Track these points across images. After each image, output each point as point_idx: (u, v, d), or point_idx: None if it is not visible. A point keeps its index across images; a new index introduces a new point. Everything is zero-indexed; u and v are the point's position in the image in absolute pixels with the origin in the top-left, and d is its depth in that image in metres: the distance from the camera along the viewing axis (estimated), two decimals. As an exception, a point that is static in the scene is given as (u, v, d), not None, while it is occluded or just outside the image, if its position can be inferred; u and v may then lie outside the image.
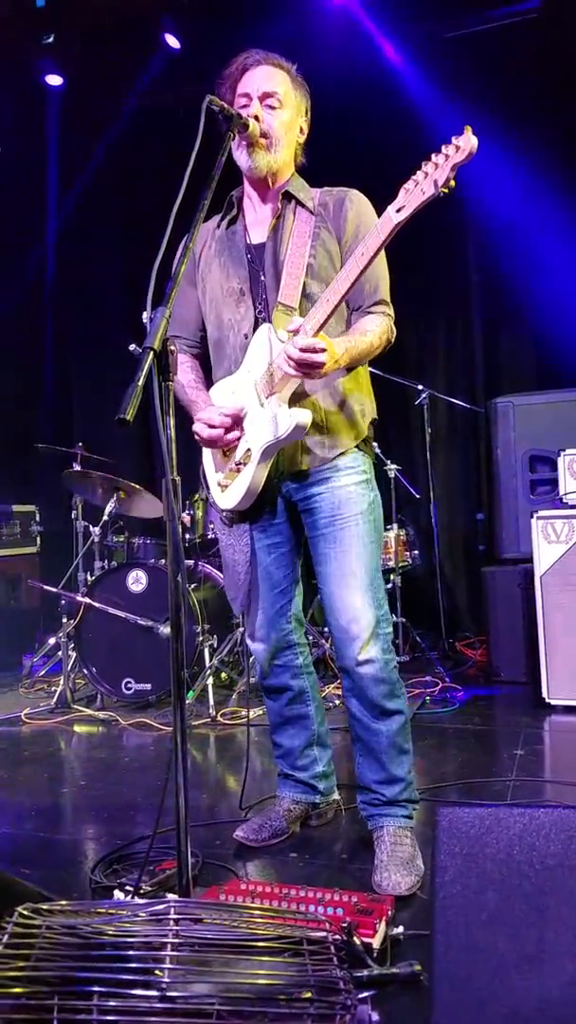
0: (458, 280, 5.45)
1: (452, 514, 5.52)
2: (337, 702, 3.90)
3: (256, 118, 2.06)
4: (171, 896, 1.35)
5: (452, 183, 1.67)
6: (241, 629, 3.56)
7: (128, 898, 1.85)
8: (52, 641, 4.49)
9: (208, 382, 2.32)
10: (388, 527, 4.65)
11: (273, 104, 2.09)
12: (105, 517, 4.48)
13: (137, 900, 1.74)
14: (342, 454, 2.15)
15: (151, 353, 1.56)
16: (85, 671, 4.14)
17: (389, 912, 1.74)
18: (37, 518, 5.61)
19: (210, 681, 3.89)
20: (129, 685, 4.04)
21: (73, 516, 4.60)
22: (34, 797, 2.86)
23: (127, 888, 1.92)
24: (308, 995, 1.17)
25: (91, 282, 6.16)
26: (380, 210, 1.85)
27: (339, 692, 3.99)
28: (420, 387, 4.83)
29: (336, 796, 2.50)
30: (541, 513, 3.66)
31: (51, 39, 5.07)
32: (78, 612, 4.14)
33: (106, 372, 5.98)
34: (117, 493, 4.39)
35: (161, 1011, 1.12)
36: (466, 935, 1.19)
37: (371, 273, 2.06)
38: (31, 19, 4.96)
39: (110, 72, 5.35)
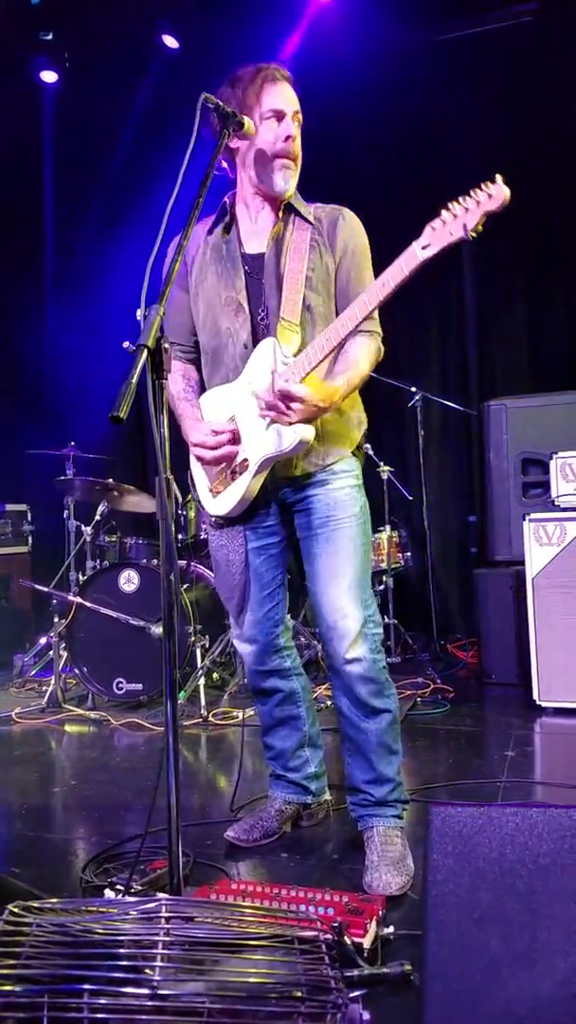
0: (452, 281, 5.46)
1: (444, 516, 5.53)
2: (328, 703, 3.89)
3: (291, 138, 2.07)
4: (162, 895, 1.35)
5: (480, 228, 1.71)
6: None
7: (119, 897, 1.84)
8: (43, 641, 4.48)
9: (201, 388, 2.31)
10: (381, 528, 4.66)
11: (297, 121, 2.11)
12: (97, 517, 4.47)
13: (128, 899, 1.73)
14: (337, 460, 2.16)
15: (145, 350, 1.56)
16: (76, 671, 4.13)
17: (380, 912, 1.73)
18: (29, 517, 5.59)
19: (202, 681, 3.88)
20: (120, 685, 4.03)
21: (65, 516, 4.59)
22: (25, 796, 2.85)
23: (118, 887, 1.91)
24: (299, 994, 1.17)
25: (86, 278, 6.15)
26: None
27: (331, 693, 3.99)
28: (413, 389, 4.85)
29: (327, 796, 2.50)
30: (533, 516, 3.66)
31: (49, 36, 5.08)
32: (70, 612, 4.13)
33: (99, 369, 5.97)
34: (109, 493, 4.38)
35: (152, 1009, 1.11)
36: (458, 934, 1.19)
37: (358, 289, 2.07)
38: (26, 17, 4.96)
39: (107, 69, 5.36)
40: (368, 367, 2.12)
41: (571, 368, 5.09)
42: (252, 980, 1.17)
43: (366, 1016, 1.17)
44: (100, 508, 4.47)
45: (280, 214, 2.16)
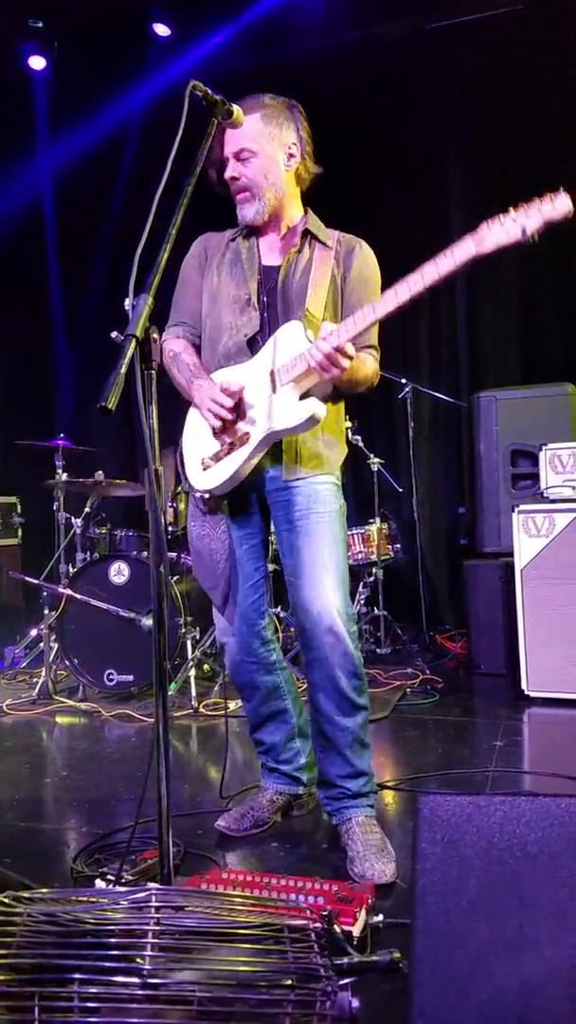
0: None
1: (434, 508, 5.54)
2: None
3: (234, 178, 2.18)
4: (152, 884, 1.35)
5: (538, 236, 1.72)
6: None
7: (110, 887, 1.85)
8: (34, 633, 4.48)
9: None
10: (370, 520, 4.67)
11: (244, 156, 2.17)
12: (87, 509, 4.46)
13: (119, 889, 1.74)
14: (321, 474, 2.21)
15: (133, 340, 1.55)
16: (67, 662, 4.12)
17: (369, 901, 1.74)
18: (18, 509, 5.57)
19: (192, 673, 3.88)
20: (111, 677, 4.03)
21: (55, 508, 4.57)
22: (16, 787, 2.85)
23: (109, 877, 1.91)
24: (289, 982, 1.17)
25: (75, 269, 6.13)
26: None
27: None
28: (403, 380, 4.84)
29: (318, 787, 2.51)
30: (522, 507, 3.68)
31: (39, 24, 5.05)
32: (60, 604, 4.13)
33: (88, 359, 5.96)
34: (99, 486, 4.37)
35: (142, 998, 1.12)
36: (447, 922, 1.20)
37: None
38: (14, 2, 4.93)
39: (96, 57, 5.33)
40: (368, 376, 2.20)
41: (561, 360, 5.10)
42: (242, 969, 1.17)
43: (355, 1004, 1.17)
44: (90, 500, 4.46)
45: (298, 240, 2.23)
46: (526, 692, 3.60)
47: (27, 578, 4.48)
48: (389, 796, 2.59)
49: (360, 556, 4.61)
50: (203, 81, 1.88)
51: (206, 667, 4.22)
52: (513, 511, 3.69)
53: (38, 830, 2.46)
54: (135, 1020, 1.10)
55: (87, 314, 6.02)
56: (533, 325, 5.28)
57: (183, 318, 2.34)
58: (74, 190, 5.99)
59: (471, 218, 1.78)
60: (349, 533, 4.50)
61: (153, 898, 1.22)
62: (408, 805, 2.50)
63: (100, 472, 4.39)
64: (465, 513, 5.35)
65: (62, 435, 4.63)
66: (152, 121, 5.56)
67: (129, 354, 1.53)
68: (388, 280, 2.28)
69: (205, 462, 2.21)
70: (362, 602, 4.66)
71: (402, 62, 5.14)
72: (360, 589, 4.65)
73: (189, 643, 4.00)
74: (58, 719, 3.79)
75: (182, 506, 4.42)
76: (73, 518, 4.47)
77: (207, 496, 2.23)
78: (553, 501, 3.69)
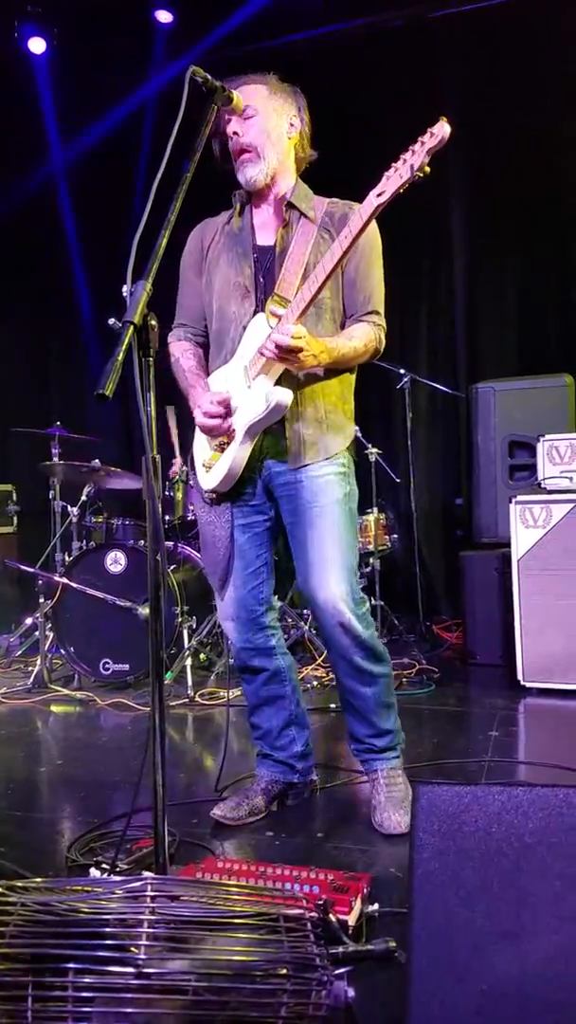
0: (442, 264, 5.43)
1: (431, 498, 5.53)
2: (315, 683, 3.91)
3: (236, 133, 2.17)
4: (147, 873, 1.35)
5: (427, 168, 1.81)
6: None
7: (104, 876, 1.84)
8: (29, 621, 4.46)
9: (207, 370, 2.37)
10: (368, 510, 4.65)
11: (249, 114, 2.17)
12: (83, 497, 4.44)
13: (113, 878, 1.74)
14: (328, 457, 2.22)
15: (131, 327, 1.54)
16: (63, 651, 4.11)
17: (365, 890, 1.74)
18: (14, 497, 5.55)
19: (188, 662, 3.88)
20: (107, 665, 4.02)
21: (51, 496, 4.55)
22: (10, 776, 2.84)
23: (104, 866, 1.91)
24: (284, 972, 1.17)
25: (72, 256, 6.09)
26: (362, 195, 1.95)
27: (317, 674, 4.01)
28: (402, 371, 4.82)
29: (314, 776, 2.51)
30: (519, 498, 3.67)
31: (39, 10, 5.03)
32: (56, 592, 4.11)
33: (85, 348, 5.94)
34: (95, 474, 4.35)
35: (137, 988, 1.11)
36: (444, 911, 1.19)
37: (365, 283, 2.21)
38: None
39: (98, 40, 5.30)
40: (362, 347, 2.19)
41: (559, 351, 5.08)
42: (237, 958, 1.17)
43: (351, 993, 1.17)
44: (86, 489, 4.44)
45: (285, 214, 2.22)
46: (522, 682, 3.60)
47: (22, 566, 4.47)
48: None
49: (357, 546, 4.60)
50: (204, 67, 1.89)
51: (203, 656, 4.22)
52: (510, 502, 3.69)
53: (32, 819, 2.46)
54: (130, 1010, 1.10)
55: (88, 300, 6.01)
56: (532, 316, 5.25)
57: (183, 319, 2.39)
58: (84, 177, 5.97)
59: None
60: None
61: (148, 887, 1.22)
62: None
63: (96, 460, 4.37)
64: (462, 504, 5.33)
65: (58, 423, 4.61)
66: (152, 116, 5.55)
67: (126, 341, 1.52)
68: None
69: (207, 463, 2.28)
70: (359, 592, 4.65)
71: (404, 50, 5.10)
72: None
73: (186, 632, 4.00)
74: (53, 708, 3.78)
75: (179, 495, 4.41)
76: (69, 506, 4.45)
77: (214, 495, 2.29)
78: (550, 492, 3.68)
